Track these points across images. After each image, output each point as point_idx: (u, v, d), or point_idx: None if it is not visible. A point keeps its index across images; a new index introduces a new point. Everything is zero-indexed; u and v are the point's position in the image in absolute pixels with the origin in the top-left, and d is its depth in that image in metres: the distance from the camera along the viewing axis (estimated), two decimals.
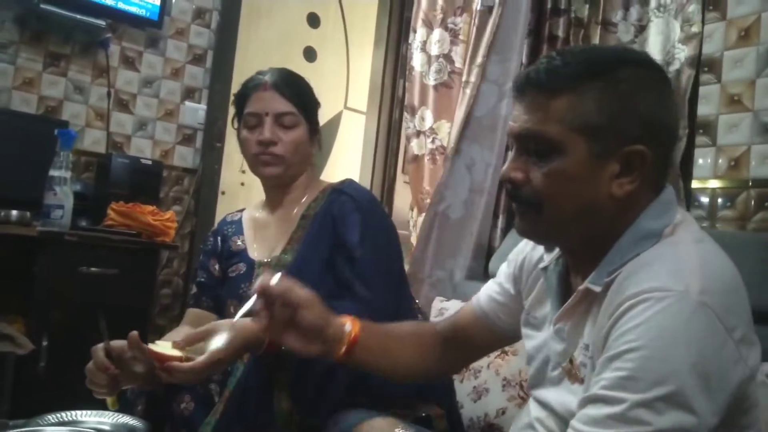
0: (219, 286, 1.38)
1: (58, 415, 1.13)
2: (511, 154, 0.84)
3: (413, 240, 2.48)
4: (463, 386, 1.65)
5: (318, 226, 1.30)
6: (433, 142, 2.48)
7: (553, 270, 0.91)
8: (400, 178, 2.98)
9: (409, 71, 2.62)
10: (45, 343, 2.07)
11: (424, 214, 2.41)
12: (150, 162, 2.61)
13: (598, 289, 0.79)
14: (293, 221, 1.34)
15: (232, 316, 1.32)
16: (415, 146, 2.55)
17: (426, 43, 2.57)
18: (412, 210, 2.54)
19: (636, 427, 0.66)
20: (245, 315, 0.96)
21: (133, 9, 2.64)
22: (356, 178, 3.05)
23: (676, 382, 0.66)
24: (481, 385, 1.63)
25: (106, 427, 1.11)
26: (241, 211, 1.48)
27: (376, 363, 1.02)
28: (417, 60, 2.58)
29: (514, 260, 1.05)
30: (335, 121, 3.43)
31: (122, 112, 2.75)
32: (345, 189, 1.33)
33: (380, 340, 1.03)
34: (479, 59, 2.33)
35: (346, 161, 3.31)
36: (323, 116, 3.33)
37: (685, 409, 0.65)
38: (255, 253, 1.36)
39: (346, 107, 3.43)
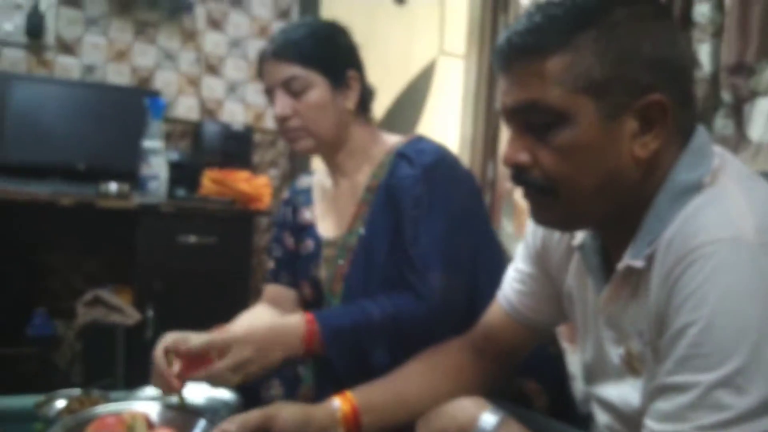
0: (296, 259, 1.29)
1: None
2: (509, 135, 0.73)
3: (518, 195, 2.27)
4: (576, 358, 1.48)
5: (382, 201, 1.14)
6: None
7: (591, 246, 0.79)
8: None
9: (513, 7, 2.36)
10: (150, 313, 2.13)
11: None
12: (241, 127, 2.59)
13: (640, 263, 0.69)
14: (359, 192, 1.20)
15: (306, 296, 1.26)
16: None
17: None
18: None
19: (718, 414, 0.58)
20: None
21: None
22: (456, 130, 2.86)
23: (749, 346, 0.57)
24: None
25: (200, 400, 1.10)
26: (313, 174, 1.35)
27: (396, 417, 0.94)
28: None
29: (533, 238, 0.92)
30: (429, 69, 3.23)
31: (212, 76, 2.73)
32: (407, 151, 1.15)
33: (388, 394, 0.95)
34: None
35: (445, 112, 3.11)
36: (416, 64, 3.18)
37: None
38: (323, 229, 1.24)
39: (442, 52, 3.22)
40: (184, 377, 0.98)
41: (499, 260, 1.19)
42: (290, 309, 1.26)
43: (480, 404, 0.82)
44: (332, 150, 1.21)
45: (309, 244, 1.25)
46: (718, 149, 0.72)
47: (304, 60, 1.14)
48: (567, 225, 0.78)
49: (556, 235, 0.88)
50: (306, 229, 1.27)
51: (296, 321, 1.04)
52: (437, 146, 1.16)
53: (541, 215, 0.76)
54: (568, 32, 0.67)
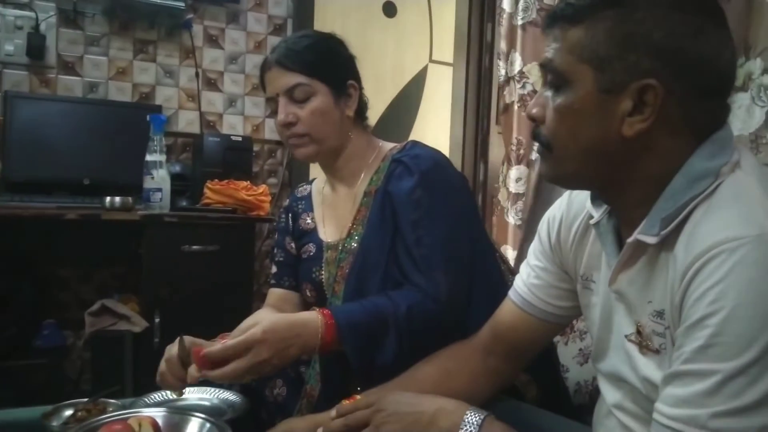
0: (298, 263, 1.33)
1: (164, 393, 1.16)
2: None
3: (501, 196, 2.34)
4: (567, 348, 1.54)
5: (379, 205, 1.17)
6: (523, 87, 2.31)
7: (607, 224, 0.83)
8: (494, 130, 2.83)
9: (498, 14, 2.44)
10: (157, 320, 2.18)
11: (518, 167, 2.27)
12: (240, 138, 2.65)
13: (651, 240, 0.71)
14: (357, 198, 1.23)
15: (308, 298, 1.29)
16: (506, 95, 2.39)
17: None
18: (503, 164, 2.40)
19: (734, 401, 0.59)
20: None
21: None
22: (446, 134, 2.94)
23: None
24: (588, 347, 1.51)
25: (206, 403, 1.13)
26: (311, 182, 1.40)
27: None
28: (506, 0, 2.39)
29: (547, 233, 0.96)
30: (420, 77, 3.31)
31: (211, 90, 2.81)
32: (403, 157, 1.18)
33: None
34: None
35: (436, 117, 3.19)
36: (407, 72, 3.26)
37: None
38: (324, 233, 1.28)
39: (431, 60, 3.30)
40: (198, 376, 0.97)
41: (491, 257, 1.24)
42: (293, 311, 1.27)
43: (461, 406, 0.82)
44: (332, 156, 1.24)
45: (310, 247, 1.28)
46: (739, 147, 0.73)
47: (307, 69, 1.17)
48: (559, 180, 0.82)
49: (574, 226, 0.91)
50: (307, 234, 1.30)
51: (314, 317, 1.03)
52: (432, 151, 1.20)
53: (541, 168, 0.81)
54: (591, 8, 0.72)
